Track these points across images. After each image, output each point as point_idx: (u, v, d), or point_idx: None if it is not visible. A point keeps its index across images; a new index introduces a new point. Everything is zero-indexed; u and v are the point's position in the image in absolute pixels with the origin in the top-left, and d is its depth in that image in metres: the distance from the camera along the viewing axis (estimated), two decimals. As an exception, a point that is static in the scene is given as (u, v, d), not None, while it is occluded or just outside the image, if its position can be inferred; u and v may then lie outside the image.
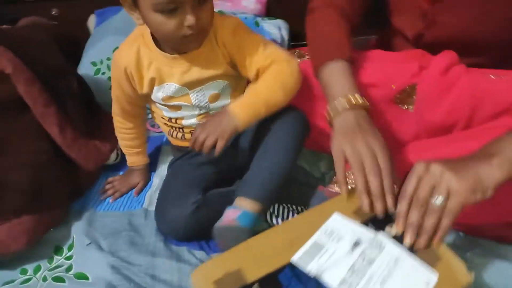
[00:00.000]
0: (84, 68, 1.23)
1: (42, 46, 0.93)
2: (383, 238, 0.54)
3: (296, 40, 1.36)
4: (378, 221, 0.57)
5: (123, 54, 0.75)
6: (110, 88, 0.84)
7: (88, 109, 1.00)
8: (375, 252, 0.52)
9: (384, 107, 0.75)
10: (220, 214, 0.70)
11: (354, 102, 0.64)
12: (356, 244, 0.53)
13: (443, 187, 0.50)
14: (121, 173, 0.99)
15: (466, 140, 0.66)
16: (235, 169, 0.83)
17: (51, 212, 0.83)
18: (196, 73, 0.74)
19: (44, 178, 0.82)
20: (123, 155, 1.00)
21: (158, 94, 0.78)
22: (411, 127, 0.75)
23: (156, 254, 0.77)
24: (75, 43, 1.36)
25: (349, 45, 0.72)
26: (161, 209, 0.80)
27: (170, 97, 0.78)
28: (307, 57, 0.82)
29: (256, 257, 0.53)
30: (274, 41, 1.27)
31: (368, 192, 0.57)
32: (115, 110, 0.86)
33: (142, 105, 0.87)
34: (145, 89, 0.78)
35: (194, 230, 0.77)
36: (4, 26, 1.03)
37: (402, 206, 0.53)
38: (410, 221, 0.52)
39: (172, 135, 0.86)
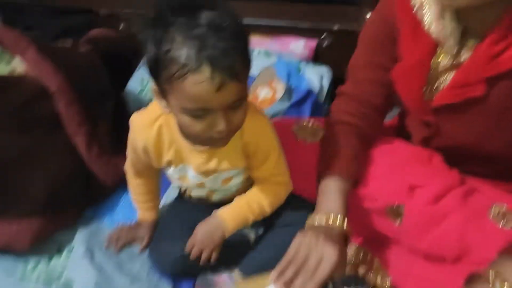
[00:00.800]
0: (134, 82, 1.34)
1: (90, 70, 1.04)
2: None
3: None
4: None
5: (143, 132, 0.72)
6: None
7: (118, 126, 1.09)
8: None
9: (376, 216, 0.76)
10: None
11: (330, 222, 0.67)
12: None
13: None
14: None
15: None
16: None
17: (61, 217, 0.93)
18: (215, 164, 0.73)
19: (63, 187, 0.92)
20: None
21: (174, 174, 0.78)
22: (402, 237, 0.74)
23: (136, 280, 0.83)
24: (134, 54, 1.49)
25: (350, 164, 0.73)
26: (155, 249, 0.85)
27: (184, 177, 0.78)
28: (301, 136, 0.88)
29: None
30: (310, 91, 1.27)
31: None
32: (128, 166, 0.84)
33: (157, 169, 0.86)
34: (162, 166, 0.78)
35: (181, 271, 0.82)
36: (68, 40, 1.16)
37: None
38: None
39: (183, 193, 0.90)
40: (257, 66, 1.27)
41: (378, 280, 0.79)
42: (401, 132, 0.88)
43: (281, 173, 0.77)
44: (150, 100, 1.33)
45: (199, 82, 0.55)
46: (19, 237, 0.84)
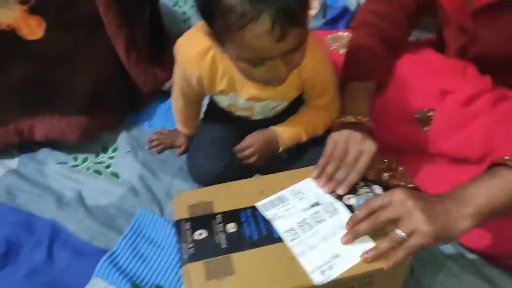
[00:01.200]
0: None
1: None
2: (340, 206, 0.60)
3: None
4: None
5: (197, 65, 0.69)
6: (183, 21, 0.88)
7: (156, 37, 1.12)
8: (327, 215, 0.59)
9: (403, 122, 0.76)
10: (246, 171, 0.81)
11: (360, 120, 0.68)
12: (314, 205, 0.61)
13: (409, 225, 0.51)
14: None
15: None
16: None
17: (105, 117, 0.99)
18: (267, 93, 0.71)
19: (105, 87, 0.97)
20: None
21: (224, 101, 0.77)
22: (429, 144, 0.75)
23: (175, 176, 0.91)
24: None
25: (380, 67, 0.74)
26: (192, 163, 0.87)
27: (233, 106, 0.77)
28: (334, 46, 0.87)
29: (228, 196, 0.63)
30: (346, 8, 1.24)
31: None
32: (176, 91, 0.82)
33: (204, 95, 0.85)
34: (213, 94, 0.77)
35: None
36: None
37: (360, 214, 0.55)
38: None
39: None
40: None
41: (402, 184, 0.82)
42: (437, 47, 0.85)
43: (335, 103, 0.76)
44: (183, 14, 1.36)
45: (259, 34, 0.51)
46: (70, 131, 0.92)
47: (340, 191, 0.62)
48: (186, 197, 0.63)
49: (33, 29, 0.86)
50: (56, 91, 0.91)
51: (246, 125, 0.80)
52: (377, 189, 0.63)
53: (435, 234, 0.50)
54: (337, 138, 0.67)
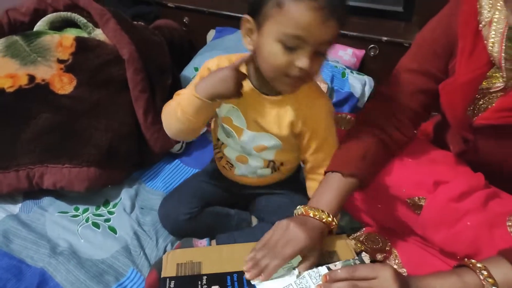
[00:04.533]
0: (187, 71, 1.46)
1: (157, 47, 1.17)
2: (322, 271, 0.61)
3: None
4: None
5: (216, 61, 0.76)
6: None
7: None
8: (312, 281, 0.59)
9: (396, 204, 0.78)
10: (207, 229, 0.85)
11: (311, 215, 0.68)
12: (300, 271, 0.61)
13: None
14: (178, 161, 1.15)
15: None
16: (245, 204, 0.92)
17: (114, 172, 1.03)
18: (262, 118, 0.75)
19: (120, 144, 1.03)
20: (186, 147, 1.18)
21: (223, 110, 0.79)
22: (419, 229, 0.76)
23: (168, 239, 0.91)
24: (190, 48, 1.63)
25: (360, 163, 0.73)
26: (162, 205, 0.91)
27: (229, 119, 0.79)
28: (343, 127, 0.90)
29: (219, 258, 0.63)
30: (352, 94, 1.33)
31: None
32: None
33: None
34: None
35: (180, 232, 0.89)
36: (140, 22, 1.30)
37: (342, 274, 0.57)
38: None
39: (216, 155, 0.92)
40: (304, 66, 1.34)
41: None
42: (436, 139, 0.90)
43: None
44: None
45: (311, 8, 0.58)
46: (78, 181, 0.95)
47: (260, 278, 0.62)
48: (177, 255, 0.64)
49: (64, 85, 0.94)
50: (75, 142, 0.96)
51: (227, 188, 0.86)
52: (365, 257, 0.64)
53: None
54: (275, 228, 0.67)
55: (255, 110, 0.75)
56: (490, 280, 0.55)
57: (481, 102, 0.68)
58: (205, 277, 0.60)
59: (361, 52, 1.47)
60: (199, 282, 0.59)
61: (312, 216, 0.67)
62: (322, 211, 0.67)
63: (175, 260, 0.63)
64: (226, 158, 0.87)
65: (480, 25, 0.65)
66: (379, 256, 0.84)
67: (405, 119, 0.77)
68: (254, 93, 0.74)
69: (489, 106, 0.67)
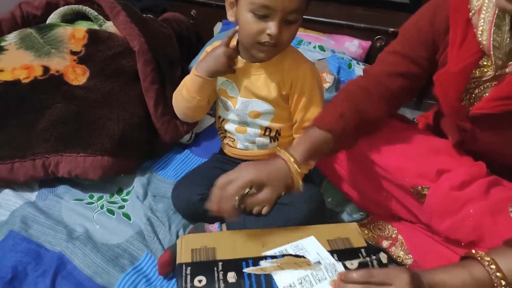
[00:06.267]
0: (195, 63, 1.47)
1: (166, 39, 1.19)
2: (341, 268, 0.62)
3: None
4: (343, 255, 0.64)
5: (215, 45, 0.85)
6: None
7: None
8: (328, 274, 0.60)
9: (400, 193, 0.79)
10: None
11: (289, 160, 0.69)
12: (316, 263, 0.62)
13: None
14: (188, 151, 1.18)
15: None
16: None
17: (126, 161, 1.05)
18: (252, 84, 0.84)
19: (131, 133, 1.05)
20: (195, 138, 1.21)
21: (218, 81, 0.88)
22: (423, 217, 0.78)
23: (180, 224, 0.93)
24: (198, 40, 1.65)
25: (335, 121, 0.75)
26: (175, 188, 0.94)
27: (224, 91, 0.88)
28: None
29: (232, 244, 0.64)
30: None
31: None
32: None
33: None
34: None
35: (193, 215, 0.91)
36: (149, 15, 1.32)
37: (357, 276, 0.57)
38: None
39: (220, 136, 0.99)
40: (312, 58, 1.36)
41: (401, 255, 0.84)
42: (436, 128, 0.90)
43: None
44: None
45: None
46: (92, 169, 0.97)
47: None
48: (190, 240, 0.65)
49: (78, 76, 0.97)
50: (89, 132, 0.99)
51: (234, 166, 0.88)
52: (383, 257, 0.65)
53: None
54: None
55: (245, 78, 0.84)
56: (499, 274, 0.56)
57: (476, 91, 0.68)
58: (221, 263, 0.60)
59: (367, 44, 1.48)
60: (215, 268, 0.59)
61: (281, 155, 0.69)
62: (290, 154, 0.69)
63: (189, 245, 0.64)
64: (228, 134, 0.93)
65: (470, 13, 0.65)
66: (385, 243, 0.86)
67: (379, 97, 0.79)
68: (242, 64, 0.83)
69: (484, 95, 0.67)
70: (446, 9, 0.69)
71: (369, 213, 0.96)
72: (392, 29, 1.44)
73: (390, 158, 0.79)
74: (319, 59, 1.38)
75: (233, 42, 0.85)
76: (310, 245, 0.66)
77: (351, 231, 0.70)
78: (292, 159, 0.68)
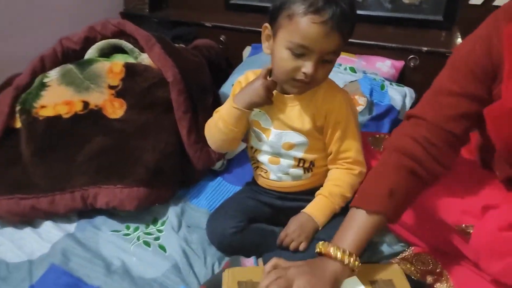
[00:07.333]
0: (226, 88, 1.49)
1: (198, 67, 1.21)
2: None
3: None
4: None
5: (244, 76, 0.89)
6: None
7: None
8: None
9: (444, 229, 0.75)
10: (253, 246, 0.86)
11: (343, 260, 0.64)
12: None
13: None
14: (221, 178, 1.17)
15: None
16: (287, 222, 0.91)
17: (161, 191, 1.06)
18: (286, 116, 0.83)
19: (166, 163, 1.06)
20: (227, 165, 1.21)
21: (254, 115, 0.87)
22: (470, 255, 0.73)
23: (215, 256, 0.92)
24: (228, 65, 1.67)
25: (386, 200, 0.68)
26: (210, 220, 0.93)
27: (257, 123, 0.87)
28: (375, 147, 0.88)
29: None
30: (392, 107, 1.31)
31: None
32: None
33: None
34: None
35: (227, 247, 0.89)
36: (181, 44, 1.35)
37: None
38: None
39: (253, 166, 0.98)
40: (344, 80, 1.34)
41: (446, 291, 0.79)
42: (481, 160, 0.85)
43: (357, 153, 0.83)
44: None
45: (316, 22, 0.68)
46: (129, 201, 0.98)
47: None
48: (236, 273, 0.65)
49: (116, 109, 0.99)
50: (125, 163, 1.01)
51: (267, 197, 0.92)
52: None
53: None
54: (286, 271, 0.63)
55: (278, 110, 0.83)
56: None
57: None
58: None
59: (400, 63, 1.45)
60: None
61: (332, 254, 0.65)
62: (344, 250, 0.65)
63: (236, 277, 0.64)
64: (260, 164, 0.92)
65: None
66: (429, 278, 0.81)
67: (445, 145, 0.70)
68: (277, 95, 0.83)
69: None
70: (500, 39, 0.65)
71: (410, 245, 0.91)
72: (425, 48, 1.40)
73: (432, 193, 0.75)
74: (350, 81, 1.36)
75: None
76: (353, 285, 0.63)
77: (394, 273, 0.67)
78: (356, 263, 0.65)
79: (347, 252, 0.64)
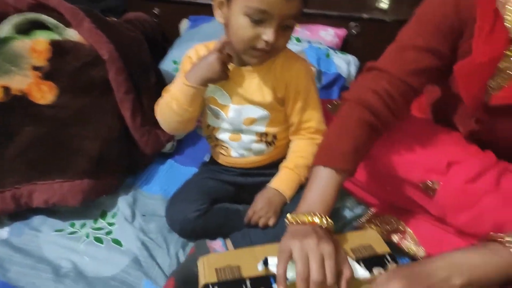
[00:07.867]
0: (166, 65, 1.39)
1: (135, 43, 1.09)
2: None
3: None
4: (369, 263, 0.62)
5: (194, 51, 0.81)
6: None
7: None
8: None
9: (406, 187, 0.77)
10: (217, 228, 0.83)
11: (315, 221, 0.62)
12: None
13: None
14: (172, 160, 1.11)
15: None
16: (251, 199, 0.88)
17: (107, 181, 0.97)
18: (244, 89, 0.78)
19: (110, 150, 0.96)
20: (177, 146, 1.14)
21: (208, 90, 0.80)
22: (434, 210, 0.76)
23: (179, 243, 0.86)
24: (164, 40, 1.56)
25: (352, 157, 0.68)
26: (169, 206, 0.87)
27: (213, 99, 0.82)
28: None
29: (255, 261, 0.60)
30: (339, 75, 1.32)
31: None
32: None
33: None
34: None
35: (190, 233, 0.85)
36: (112, 18, 1.21)
37: None
38: None
39: (211, 145, 0.93)
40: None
41: (413, 248, 0.82)
42: (437, 118, 0.88)
43: (319, 122, 0.82)
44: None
45: None
46: (71, 195, 0.88)
47: None
48: (212, 260, 0.61)
49: (44, 94, 0.86)
50: (64, 154, 0.90)
51: (229, 176, 0.88)
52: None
53: None
54: (297, 249, 0.58)
55: (236, 84, 0.79)
56: None
57: (495, 82, 0.66)
58: (249, 280, 0.58)
59: (343, 32, 1.46)
60: (244, 286, 0.57)
61: (318, 223, 0.62)
62: (322, 216, 0.63)
63: (212, 265, 0.60)
64: (220, 143, 0.87)
65: (498, 3, 0.63)
66: (395, 237, 0.84)
67: (401, 98, 0.72)
68: (233, 69, 0.78)
69: (504, 85, 0.65)
70: None
71: (368, 205, 0.94)
72: (366, 15, 1.42)
73: (397, 150, 0.77)
74: (297, 51, 1.33)
75: (211, 45, 0.78)
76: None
77: (371, 237, 0.68)
78: (330, 224, 0.63)
79: (323, 216, 0.62)
